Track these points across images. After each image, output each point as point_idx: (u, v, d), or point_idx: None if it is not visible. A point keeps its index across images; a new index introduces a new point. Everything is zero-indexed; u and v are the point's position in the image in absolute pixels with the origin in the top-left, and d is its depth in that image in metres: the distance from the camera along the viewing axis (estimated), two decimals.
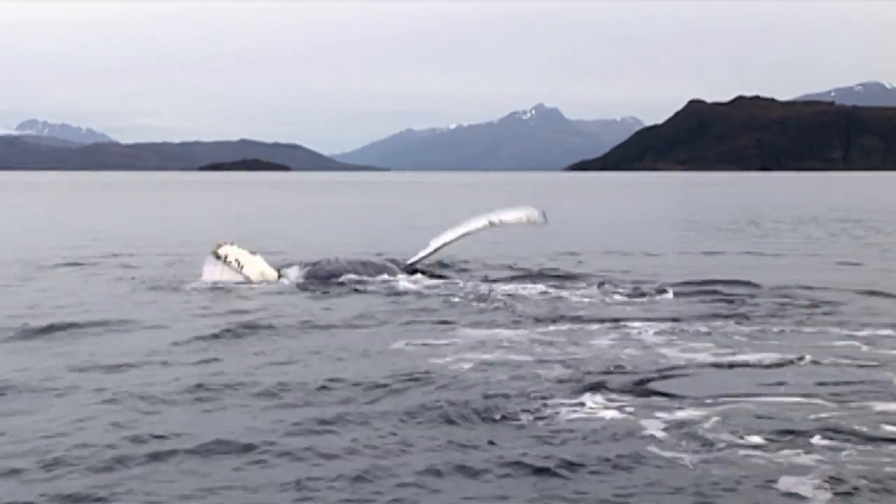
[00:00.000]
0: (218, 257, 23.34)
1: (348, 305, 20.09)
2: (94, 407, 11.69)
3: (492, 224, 28.16)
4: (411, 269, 26.61)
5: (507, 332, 16.49)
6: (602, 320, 17.77)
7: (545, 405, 11.59)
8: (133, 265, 28.00)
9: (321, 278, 24.23)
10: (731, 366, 13.92)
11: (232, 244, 23.80)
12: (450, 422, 10.99)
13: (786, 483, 8.99)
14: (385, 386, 12.59)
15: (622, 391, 12.26)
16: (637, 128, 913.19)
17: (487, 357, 14.30)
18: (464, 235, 28.19)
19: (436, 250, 28.03)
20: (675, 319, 17.89)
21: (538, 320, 17.93)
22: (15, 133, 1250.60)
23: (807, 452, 9.80)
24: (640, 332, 16.48)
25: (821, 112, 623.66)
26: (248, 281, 23.15)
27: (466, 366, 13.64)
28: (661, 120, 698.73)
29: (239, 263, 23.32)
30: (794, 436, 10.33)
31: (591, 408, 11.48)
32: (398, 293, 21.99)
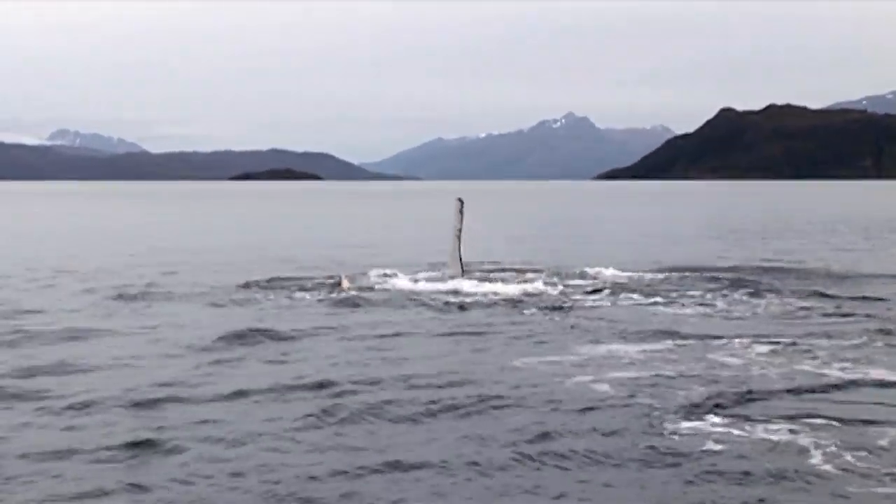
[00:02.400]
0: None
1: (443, 320, 20.78)
2: None
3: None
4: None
5: (619, 348, 17.06)
6: (702, 336, 18.29)
7: (694, 424, 12.04)
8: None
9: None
10: (861, 384, 14.32)
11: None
12: (613, 439, 11.51)
13: None
14: (532, 408, 13.01)
15: (764, 410, 12.73)
16: (667, 136, 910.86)
17: (618, 375, 14.74)
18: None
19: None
20: (775, 334, 18.38)
21: (642, 336, 18.47)
22: (47, 143, 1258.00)
23: None
24: (746, 347, 17.03)
25: (853, 120, 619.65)
26: None
27: (603, 387, 14.03)
28: (691, 128, 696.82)
29: None
30: None
31: (748, 429, 11.84)
32: (472, 305, 23.09)
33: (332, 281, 26.93)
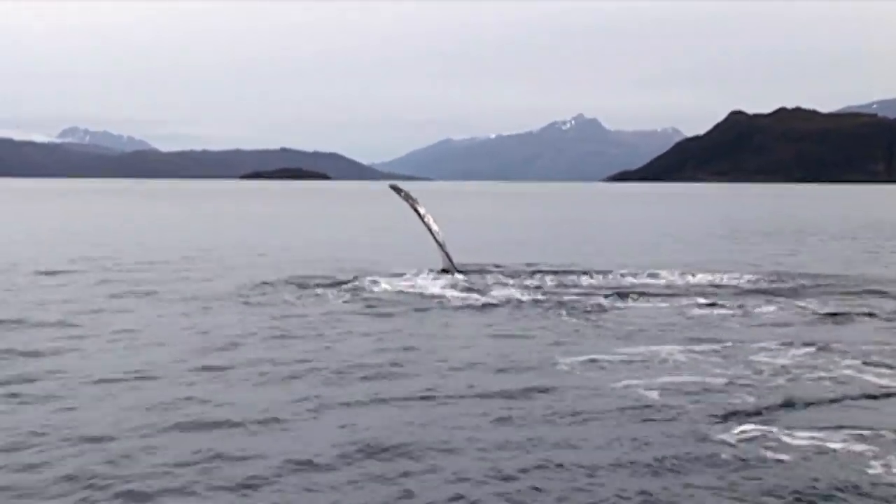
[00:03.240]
0: None
1: (475, 318, 20.70)
2: None
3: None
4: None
5: (659, 349, 17.03)
6: (741, 339, 18.25)
7: (744, 431, 11.95)
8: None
9: None
10: None
11: None
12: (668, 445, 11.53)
13: None
14: (581, 415, 12.96)
15: (814, 417, 12.70)
16: (677, 139, 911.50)
17: (662, 379, 14.70)
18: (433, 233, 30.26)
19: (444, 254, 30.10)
20: (814, 339, 18.26)
21: (680, 337, 18.47)
22: (57, 140, 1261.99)
23: None
24: (786, 351, 16.97)
25: (863, 124, 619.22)
26: None
27: (652, 392, 13.95)
28: (700, 131, 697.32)
29: None
30: None
31: (802, 436, 11.76)
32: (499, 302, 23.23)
33: (350, 279, 27.34)
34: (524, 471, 10.47)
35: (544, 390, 13.95)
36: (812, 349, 17.16)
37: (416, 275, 28.60)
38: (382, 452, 11.00)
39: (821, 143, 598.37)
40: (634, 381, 14.49)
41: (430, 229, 30.30)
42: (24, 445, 11.18)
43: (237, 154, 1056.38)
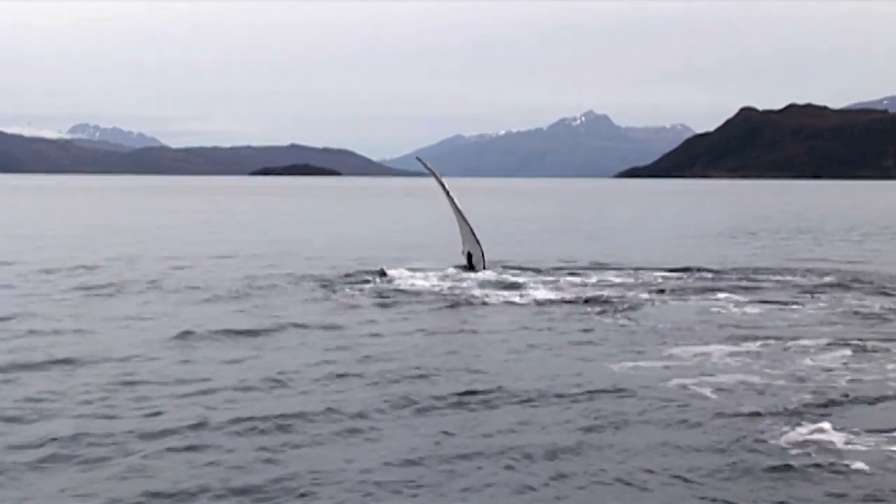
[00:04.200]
0: None
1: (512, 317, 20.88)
2: None
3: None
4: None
5: (708, 349, 17.25)
6: (786, 338, 18.41)
7: (806, 433, 12.09)
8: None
9: None
10: None
11: None
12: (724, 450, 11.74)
13: None
14: (647, 419, 13.22)
15: (872, 418, 12.93)
16: (687, 135, 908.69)
17: (715, 380, 14.85)
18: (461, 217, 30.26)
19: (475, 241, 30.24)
20: (860, 337, 18.49)
21: (728, 336, 18.67)
22: (67, 137, 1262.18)
23: None
24: (832, 350, 17.17)
25: (874, 120, 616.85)
26: None
27: (706, 393, 14.14)
28: (710, 127, 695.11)
29: None
30: None
31: (864, 438, 11.92)
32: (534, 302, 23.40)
33: (377, 272, 28.33)
34: (587, 473, 10.70)
35: (599, 392, 14.10)
36: (861, 348, 17.35)
37: (443, 271, 28.98)
38: (454, 459, 11.14)
39: (832, 140, 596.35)
40: (686, 381, 14.67)
41: (456, 208, 30.38)
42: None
43: (247, 150, 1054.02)
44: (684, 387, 14.42)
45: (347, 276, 28.25)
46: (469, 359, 16.73)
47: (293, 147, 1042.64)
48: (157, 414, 12.84)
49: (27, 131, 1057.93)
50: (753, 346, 17.71)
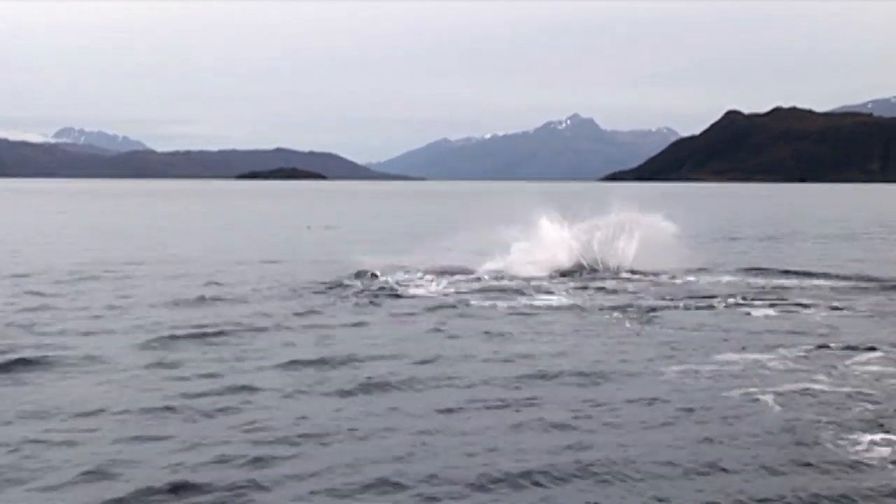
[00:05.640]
0: None
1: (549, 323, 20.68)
2: None
3: None
4: None
5: (759, 357, 17.12)
6: (837, 343, 18.34)
7: (875, 441, 12.08)
8: None
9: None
10: None
11: None
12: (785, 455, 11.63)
13: None
14: (705, 423, 13.07)
15: None
16: (672, 138, 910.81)
17: (780, 388, 14.68)
18: None
19: None
20: None
21: (776, 343, 18.49)
22: (52, 140, 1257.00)
23: None
24: (884, 356, 17.12)
25: (859, 123, 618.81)
26: None
27: (769, 402, 14.00)
28: (696, 131, 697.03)
29: None
30: None
31: None
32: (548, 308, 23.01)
33: (368, 273, 28.53)
34: (660, 476, 10.69)
35: (660, 401, 13.95)
36: None
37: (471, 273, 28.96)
38: (529, 475, 10.97)
39: (817, 143, 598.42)
40: (749, 391, 14.52)
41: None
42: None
43: (233, 154, 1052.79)
44: (746, 394, 14.29)
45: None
46: (518, 365, 16.53)
47: (279, 151, 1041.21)
48: None
49: (11, 135, 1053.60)
50: (804, 351, 17.60)
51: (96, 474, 10.73)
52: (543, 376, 15.64)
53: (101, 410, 13.31)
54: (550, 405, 13.75)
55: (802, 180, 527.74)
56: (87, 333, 19.42)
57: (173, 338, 18.85)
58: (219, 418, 13.03)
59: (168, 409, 13.46)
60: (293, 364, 16.51)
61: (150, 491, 10.22)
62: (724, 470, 10.94)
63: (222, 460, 11.21)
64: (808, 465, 11.10)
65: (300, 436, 12.22)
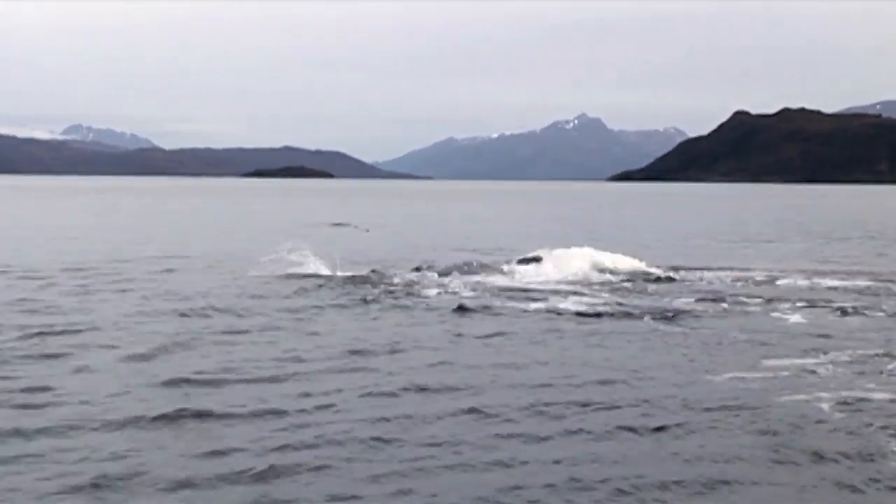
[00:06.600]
0: None
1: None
2: None
3: None
4: None
5: (804, 362, 16.82)
6: (875, 348, 18.11)
7: None
8: None
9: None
10: None
11: None
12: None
13: None
14: (771, 434, 12.75)
15: None
16: (679, 138, 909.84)
17: (831, 395, 14.40)
18: None
19: None
20: None
21: (820, 347, 18.24)
22: (60, 138, 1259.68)
23: None
24: None
25: (867, 124, 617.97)
26: None
27: (824, 405, 13.81)
28: (703, 131, 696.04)
29: None
30: None
31: None
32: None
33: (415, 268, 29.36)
34: (729, 482, 10.48)
35: (718, 409, 13.62)
36: None
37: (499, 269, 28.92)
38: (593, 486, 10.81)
39: (825, 144, 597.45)
40: (800, 397, 14.23)
41: None
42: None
43: (240, 152, 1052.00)
44: (797, 401, 14.02)
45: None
46: (549, 371, 16.25)
47: (286, 149, 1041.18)
48: None
49: (20, 132, 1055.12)
50: (851, 356, 17.36)
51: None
52: (589, 383, 15.37)
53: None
54: (603, 414, 13.52)
55: (811, 181, 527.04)
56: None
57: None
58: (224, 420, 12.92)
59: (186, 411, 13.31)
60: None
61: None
62: (803, 487, 10.68)
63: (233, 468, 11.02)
64: (877, 481, 10.79)
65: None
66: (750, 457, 11.58)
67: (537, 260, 29.75)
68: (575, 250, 30.83)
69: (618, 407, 13.76)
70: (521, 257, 30.37)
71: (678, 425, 12.83)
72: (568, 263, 29.62)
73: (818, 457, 11.61)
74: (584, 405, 13.87)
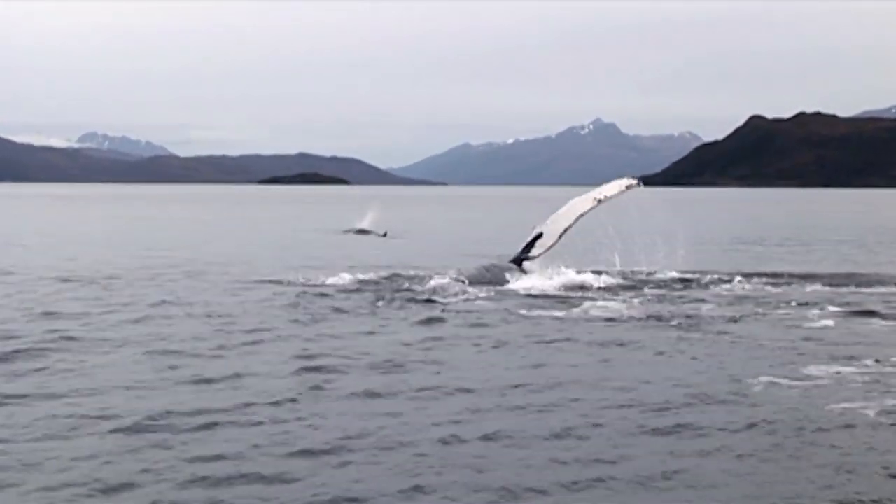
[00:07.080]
0: None
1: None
2: None
3: (598, 201, 29.21)
4: (519, 261, 29.47)
5: (842, 369, 16.35)
6: None
7: None
8: None
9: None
10: None
11: None
12: None
13: None
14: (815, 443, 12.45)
15: None
16: (694, 143, 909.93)
17: (883, 403, 13.99)
18: (578, 219, 29.06)
19: (558, 239, 29.65)
20: None
21: (859, 353, 17.78)
22: (76, 146, 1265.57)
23: None
24: None
25: (883, 128, 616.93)
26: None
27: (871, 412, 13.43)
28: (718, 135, 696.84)
29: None
30: None
31: None
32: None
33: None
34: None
35: (762, 421, 13.10)
36: None
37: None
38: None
39: (841, 148, 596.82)
40: (850, 406, 13.78)
41: (566, 228, 29.76)
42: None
43: (256, 159, 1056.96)
44: (846, 409, 13.58)
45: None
46: (580, 377, 15.76)
47: (301, 156, 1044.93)
48: None
49: (36, 140, 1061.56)
50: (881, 362, 16.86)
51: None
52: (624, 389, 14.93)
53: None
54: (635, 416, 13.20)
55: (826, 186, 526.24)
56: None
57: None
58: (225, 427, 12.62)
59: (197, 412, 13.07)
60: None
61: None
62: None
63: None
64: None
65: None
66: (795, 468, 11.20)
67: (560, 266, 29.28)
68: (598, 256, 30.36)
69: (651, 410, 13.48)
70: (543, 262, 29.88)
71: (723, 439, 12.34)
72: (592, 270, 29.23)
73: (864, 471, 11.17)
74: (620, 406, 13.67)
